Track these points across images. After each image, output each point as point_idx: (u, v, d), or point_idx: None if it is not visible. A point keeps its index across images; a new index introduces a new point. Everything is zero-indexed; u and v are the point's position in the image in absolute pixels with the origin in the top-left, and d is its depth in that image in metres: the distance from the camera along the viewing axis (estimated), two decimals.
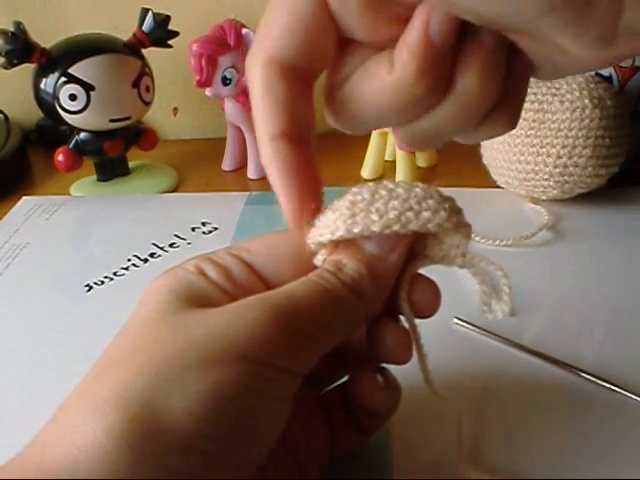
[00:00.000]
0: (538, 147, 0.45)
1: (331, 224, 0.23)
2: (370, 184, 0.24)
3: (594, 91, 0.45)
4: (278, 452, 0.24)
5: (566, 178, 0.45)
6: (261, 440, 0.21)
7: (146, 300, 0.23)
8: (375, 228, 0.22)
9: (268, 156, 0.22)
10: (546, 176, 0.46)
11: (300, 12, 0.21)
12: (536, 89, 0.46)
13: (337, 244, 0.24)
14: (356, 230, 0.22)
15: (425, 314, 0.25)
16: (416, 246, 0.25)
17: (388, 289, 0.24)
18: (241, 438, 0.20)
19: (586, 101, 0.44)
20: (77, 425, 0.19)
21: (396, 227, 0.22)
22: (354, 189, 0.24)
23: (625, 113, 0.46)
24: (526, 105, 0.45)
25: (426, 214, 0.23)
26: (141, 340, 0.21)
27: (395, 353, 0.25)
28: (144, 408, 0.19)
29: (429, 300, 0.25)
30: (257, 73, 0.22)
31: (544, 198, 0.49)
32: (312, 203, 0.23)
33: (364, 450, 0.29)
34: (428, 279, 0.25)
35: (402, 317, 0.25)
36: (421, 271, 0.25)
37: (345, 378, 0.28)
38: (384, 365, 0.26)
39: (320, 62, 0.22)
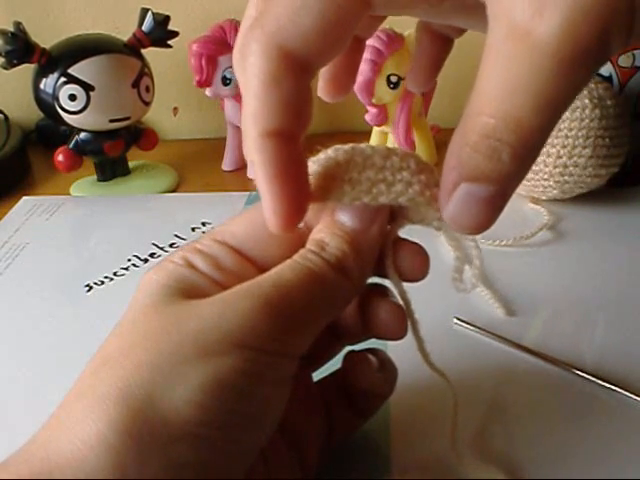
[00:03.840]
0: None
1: None
2: (347, 147, 0.23)
3: (594, 91, 0.45)
4: (277, 438, 0.25)
5: (566, 178, 0.45)
6: (262, 424, 0.21)
7: (139, 295, 0.23)
8: (345, 199, 0.22)
9: (257, 154, 0.20)
10: (546, 176, 0.46)
11: None
12: None
13: (318, 215, 0.24)
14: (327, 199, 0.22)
15: (414, 278, 0.25)
16: (394, 208, 0.24)
17: (373, 261, 0.24)
18: (242, 423, 0.20)
19: (586, 101, 0.44)
20: (79, 420, 0.19)
21: (366, 199, 0.22)
22: (329, 152, 0.23)
23: (625, 113, 0.46)
24: None
25: (398, 187, 0.22)
26: (136, 335, 0.21)
27: (390, 328, 0.25)
28: (145, 401, 0.19)
29: (415, 262, 0.24)
30: (260, 61, 0.20)
31: (544, 198, 0.49)
32: (300, 212, 0.21)
33: (362, 447, 0.29)
34: (413, 242, 0.25)
35: (395, 290, 0.25)
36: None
37: (340, 357, 0.28)
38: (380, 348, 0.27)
39: (333, 52, 0.20)
